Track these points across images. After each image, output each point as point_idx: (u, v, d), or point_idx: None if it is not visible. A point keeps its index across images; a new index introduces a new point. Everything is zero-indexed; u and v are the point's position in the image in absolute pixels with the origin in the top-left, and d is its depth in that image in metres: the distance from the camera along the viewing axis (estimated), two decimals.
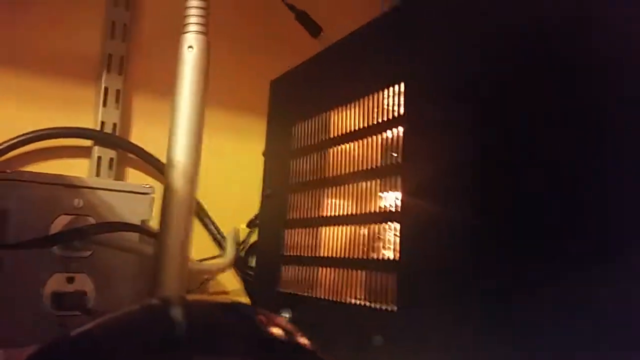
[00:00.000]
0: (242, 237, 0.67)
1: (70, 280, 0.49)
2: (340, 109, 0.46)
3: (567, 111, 0.27)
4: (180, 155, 0.30)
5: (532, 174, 0.28)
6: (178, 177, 0.29)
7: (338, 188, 0.45)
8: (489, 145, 0.31)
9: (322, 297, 0.44)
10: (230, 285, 0.73)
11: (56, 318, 0.48)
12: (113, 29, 0.70)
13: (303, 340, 0.24)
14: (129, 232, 0.49)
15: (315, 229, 0.47)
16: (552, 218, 0.27)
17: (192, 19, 0.31)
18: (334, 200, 0.46)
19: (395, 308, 0.36)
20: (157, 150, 0.71)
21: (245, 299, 0.68)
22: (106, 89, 0.69)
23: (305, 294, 0.46)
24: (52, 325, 0.48)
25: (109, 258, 0.52)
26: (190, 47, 0.31)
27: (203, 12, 0.31)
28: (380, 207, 0.40)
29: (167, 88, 0.72)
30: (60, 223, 0.49)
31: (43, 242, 0.43)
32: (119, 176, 0.70)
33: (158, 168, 0.71)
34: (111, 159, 0.68)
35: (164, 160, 0.70)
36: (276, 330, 0.24)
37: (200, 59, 0.31)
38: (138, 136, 0.71)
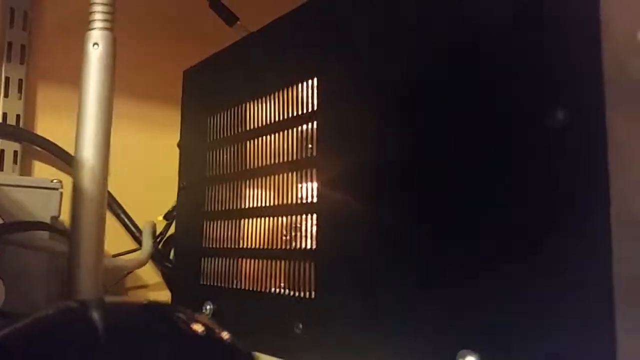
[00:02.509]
0: (159, 229, 0.66)
1: None
2: (256, 100, 0.47)
3: (475, 112, 0.29)
4: (89, 152, 0.30)
5: (439, 168, 0.30)
6: (87, 175, 0.29)
7: (257, 180, 0.46)
8: (397, 140, 0.33)
9: (244, 287, 0.45)
10: (150, 279, 0.72)
11: None
12: (12, 16, 0.66)
13: (223, 335, 0.24)
14: (40, 230, 0.47)
15: (235, 221, 0.47)
16: (457, 211, 0.29)
17: (97, 15, 0.30)
18: (253, 192, 0.46)
19: (313, 295, 0.38)
20: (65, 143, 0.68)
21: (165, 292, 0.68)
22: (7, 79, 0.65)
23: (227, 286, 0.47)
24: None
25: (18, 258, 0.50)
26: (95, 44, 0.30)
27: (108, 8, 0.30)
28: (298, 199, 0.41)
29: (75, 78, 0.70)
30: None
31: None
32: (25, 170, 0.67)
33: (66, 161, 0.68)
34: (15, 152, 0.65)
35: (72, 152, 0.68)
36: (196, 327, 0.24)
37: (106, 56, 0.30)
38: (44, 128, 0.68)
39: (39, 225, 0.45)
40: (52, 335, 0.23)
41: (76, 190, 0.29)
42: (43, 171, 0.68)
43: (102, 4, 0.30)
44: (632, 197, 0.25)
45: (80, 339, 0.22)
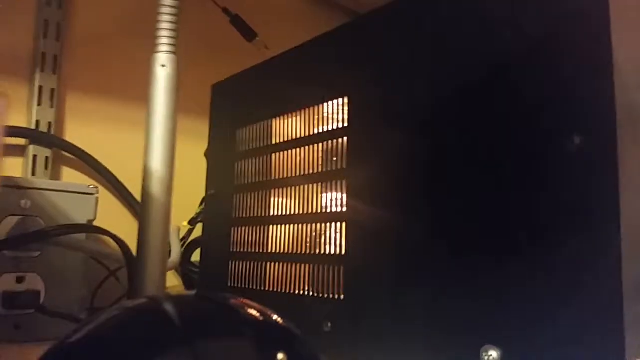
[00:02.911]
0: (183, 234, 0.69)
1: (21, 280, 0.50)
2: (283, 116, 0.50)
3: (499, 137, 0.33)
4: (157, 163, 0.33)
5: (459, 182, 0.34)
6: (155, 187, 0.32)
7: (283, 189, 0.49)
8: (423, 157, 0.37)
9: (271, 289, 0.48)
10: (169, 282, 0.75)
11: (9, 318, 0.49)
12: (46, 28, 0.69)
13: (280, 320, 0.28)
14: (95, 233, 0.50)
15: (263, 227, 0.50)
16: (481, 222, 0.33)
17: (164, 40, 0.34)
18: (280, 201, 0.50)
19: (342, 297, 0.41)
20: (92, 149, 0.71)
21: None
22: (40, 88, 0.69)
23: (254, 288, 0.50)
24: (5, 325, 0.48)
25: (57, 258, 0.53)
26: (163, 65, 0.34)
27: (174, 34, 0.34)
28: (326, 208, 0.44)
29: (101, 87, 0.74)
30: (8, 224, 0.50)
31: (5, 244, 0.44)
32: (55, 175, 0.70)
33: (94, 166, 0.71)
34: (47, 158, 0.68)
35: (99, 158, 0.71)
36: (256, 314, 0.27)
37: (173, 76, 0.34)
38: (73, 135, 0.72)
39: (95, 230, 0.48)
40: (138, 327, 0.25)
41: (145, 197, 0.32)
42: (71, 176, 0.71)
43: (169, 29, 0.33)
44: (637, 211, 0.29)
45: (161, 330, 0.25)
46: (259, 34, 0.79)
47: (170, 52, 0.34)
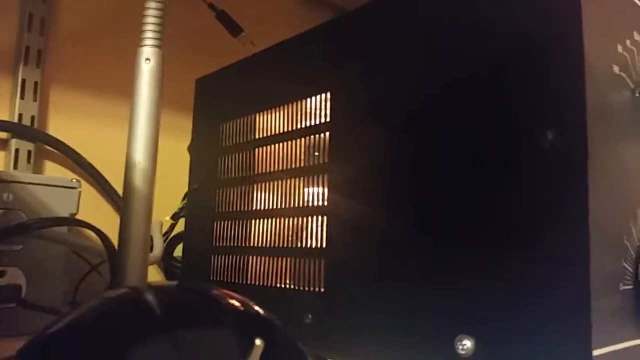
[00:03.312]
0: (165, 228, 0.69)
1: (2, 273, 0.50)
2: (266, 111, 0.51)
3: (472, 129, 0.34)
4: (140, 156, 0.33)
5: (438, 178, 0.35)
6: (138, 176, 0.33)
7: (266, 184, 0.50)
8: (403, 151, 0.38)
9: (253, 283, 0.49)
10: (151, 277, 0.75)
11: None
12: (30, 21, 0.69)
13: (258, 308, 0.28)
14: (77, 226, 0.51)
15: (245, 221, 0.51)
16: (456, 215, 0.33)
17: (149, 34, 0.34)
18: (262, 195, 0.50)
19: (322, 289, 0.42)
20: (75, 143, 0.71)
21: None
22: (23, 82, 0.68)
23: (236, 281, 0.51)
24: None
25: (39, 251, 0.53)
26: (147, 59, 0.34)
27: (159, 28, 0.34)
28: (308, 202, 0.45)
29: (85, 82, 0.74)
30: None
31: None
32: (37, 169, 0.70)
33: (76, 161, 0.71)
34: (29, 152, 0.68)
35: (82, 152, 0.71)
36: (236, 303, 0.28)
37: (157, 70, 0.34)
38: (56, 129, 0.71)
39: (79, 223, 0.48)
40: (118, 317, 0.26)
41: (127, 189, 0.33)
42: (54, 170, 0.71)
43: (154, 23, 0.34)
44: (606, 206, 0.30)
45: (142, 319, 0.25)
46: (245, 30, 0.80)
47: (155, 45, 0.34)
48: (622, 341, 0.31)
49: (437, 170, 0.35)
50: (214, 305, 0.27)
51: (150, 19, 0.34)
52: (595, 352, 0.27)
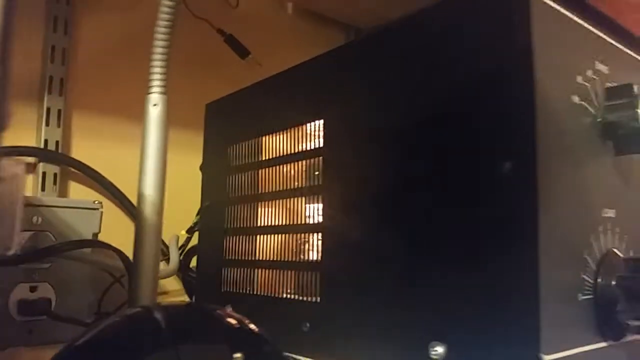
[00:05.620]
0: (181, 242, 0.74)
1: (33, 289, 0.56)
2: (270, 135, 0.55)
3: (440, 157, 0.38)
4: (150, 190, 0.38)
5: (414, 198, 0.39)
6: (148, 207, 0.37)
7: (269, 202, 0.54)
8: (385, 175, 0.42)
9: (259, 293, 0.53)
10: (171, 287, 0.81)
11: (23, 324, 0.54)
12: (53, 53, 0.75)
13: (253, 326, 0.33)
14: (99, 247, 0.56)
15: (252, 237, 0.55)
16: (427, 234, 0.37)
17: (156, 82, 0.39)
18: (267, 212, 0.55)
19: (319, 300, 0.46)
20: (97, 164, 0.77)
21: (185, 298, 0.76)
22: (48, 109, 0.74)
23: (244, 292, 0.55)
24: (20, 330, 0.54)
25: (66, 268, 0.58)
26: (155, 104, 0.39)
27: (164, 76, 0.39)
28: (306, 219, 0.49)
29: (104, 107, 0.79)
30: (22, 239, 0.55)
31: (21, 259, 0.49)
32: (63, 190, 0.75)
33: (99, 181, 0.77)
34: (55, 174, 0.74)
35: (104, 173, 0.77)
36: (233, 321, 0.33)
37: (163, 114, 0.39)
38: (79, 152, 0.77)
39: (99, 244, 0.53)
40: (131, 333, 0.31)
41: (139, 217, 0.37)
42: (78, 191, 0.77)
43: (160, 73, 0.38)
44: (564, 225, 0.34)
45: (150, 334, 0.30)
46: (252, 51, 0.85)
47: (161, 92, 0.39)
48: (580, 346, 0.34)
49: (413, 193, 0.39)
50: (211, 323, 0.32)
51: (156, 69, 0.38)
52: (547, 358, 0.31)
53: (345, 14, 1.01)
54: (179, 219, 0.76)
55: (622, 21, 0.42)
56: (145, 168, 0.38)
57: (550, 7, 0.36)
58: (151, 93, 0.39)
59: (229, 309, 0.37)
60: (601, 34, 0.41)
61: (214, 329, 0.31)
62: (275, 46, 0.94)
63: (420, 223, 0.38)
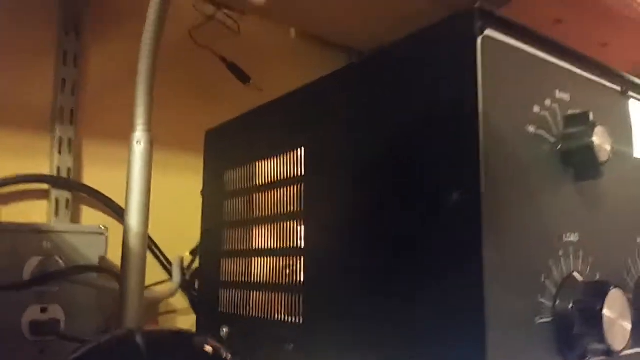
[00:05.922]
0: (186, 263, 0.78)
1: (44, 310, 0.59)
2: (262, 161, 0.58)
3: (397, 187, 0.40)
4: (134, 220, 0.41)
5: (382, 225, 0.41)
6: (133, 237, 0.41)
7: (259, 226, 0.57)
8: (364, 201, 0.44)
9: (252, 315, 0.56)
10: (179, 305, 0.84)
11: (35, 344, 0.58)
12: (63, 85, 0.79)
13: (227, 356, 0.36)
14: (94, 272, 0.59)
15: (245, 259, 0.58)
16: (390, 256, 0.40)
17: (139, 120, 0.42)
18: (259, 235, 0.58)
19: (302, 321, 0.48)
20: (107, 190, 0.81)
21: (192, 317, 0.80)
22: (60, 138, 0.78)
23: (239, 313, 0.58)
24: (33, 350, 0.58)
25: (75, 290, 0.62)
26: (138, 142, 0.42)
27: (147, 115, 0.42)
28: (291, 243, 0.52)
29: (113, 134, 0.83)
30: (32, 263, 0.59)
31: (29, 283, 0.53)
32: (75, 214, 0.79)
33: (109, 205, 0.81)
34: (67, 200, 0.78)
35: (113, 198, 0.81)
36: (208, 349, 0.35)
37: (146, 150, 0.42)
38: (90, 178, 0.81)
39: (94, 269, 0.57)
40: (113, 352, 0.34)
41: (125, 248, 0.41)
42: (90, 214, 0.81)
43: (144, 113, 0.41)
44: (517, 252, 0.36)
45: (130, 356, 0.33)
46: (256, 76, 0.88)
47: (145, 130, 0.42)
48: None
49: (379, 221, 0.42)
50: (184, 350, 0.34)
51: (139, 109, 0.42)
52: None
53: (348, 37, 1.04)
54: (184, 240, 0.80)
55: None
56: (130, 203, 0.41)
57: (502, 42, 0.38)
58: (135, 131, 0.42)
59: (209, 339, 0.40)
60: (562, 63, 0.43)
61: (188, 356, 0.34)
62: (278, 70, 0.97)
63: (386, 250, 0.41)
